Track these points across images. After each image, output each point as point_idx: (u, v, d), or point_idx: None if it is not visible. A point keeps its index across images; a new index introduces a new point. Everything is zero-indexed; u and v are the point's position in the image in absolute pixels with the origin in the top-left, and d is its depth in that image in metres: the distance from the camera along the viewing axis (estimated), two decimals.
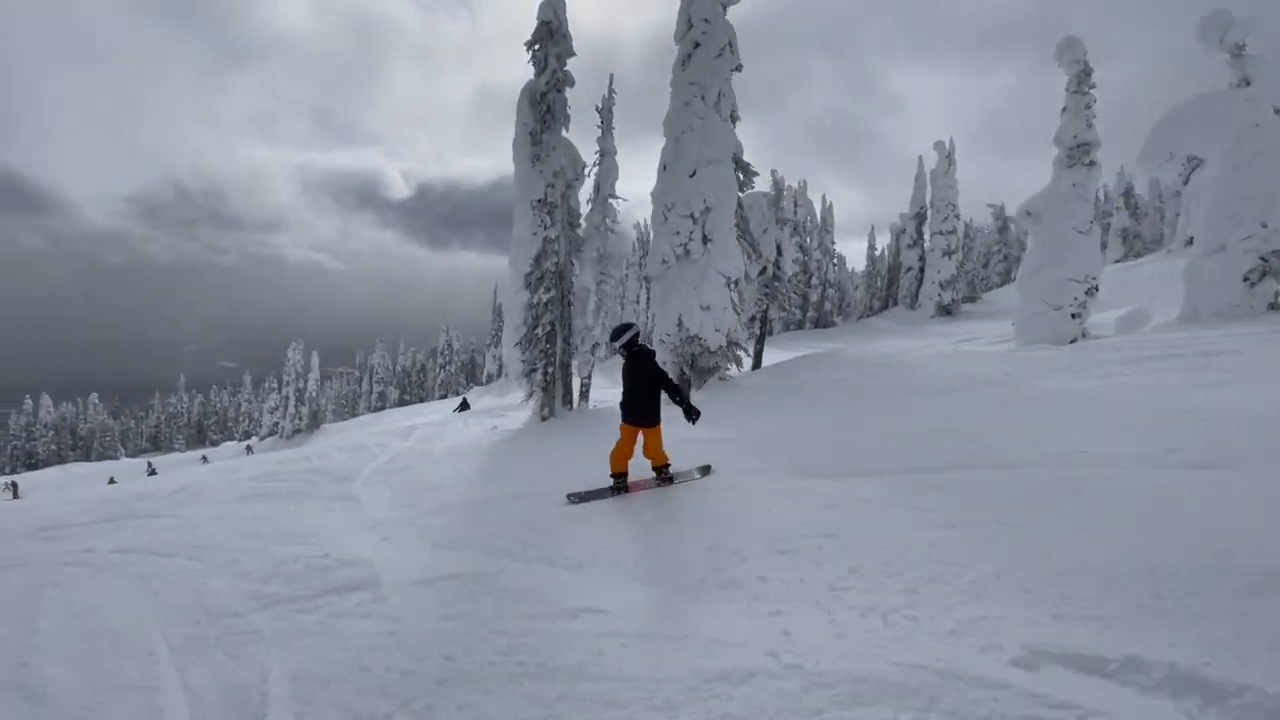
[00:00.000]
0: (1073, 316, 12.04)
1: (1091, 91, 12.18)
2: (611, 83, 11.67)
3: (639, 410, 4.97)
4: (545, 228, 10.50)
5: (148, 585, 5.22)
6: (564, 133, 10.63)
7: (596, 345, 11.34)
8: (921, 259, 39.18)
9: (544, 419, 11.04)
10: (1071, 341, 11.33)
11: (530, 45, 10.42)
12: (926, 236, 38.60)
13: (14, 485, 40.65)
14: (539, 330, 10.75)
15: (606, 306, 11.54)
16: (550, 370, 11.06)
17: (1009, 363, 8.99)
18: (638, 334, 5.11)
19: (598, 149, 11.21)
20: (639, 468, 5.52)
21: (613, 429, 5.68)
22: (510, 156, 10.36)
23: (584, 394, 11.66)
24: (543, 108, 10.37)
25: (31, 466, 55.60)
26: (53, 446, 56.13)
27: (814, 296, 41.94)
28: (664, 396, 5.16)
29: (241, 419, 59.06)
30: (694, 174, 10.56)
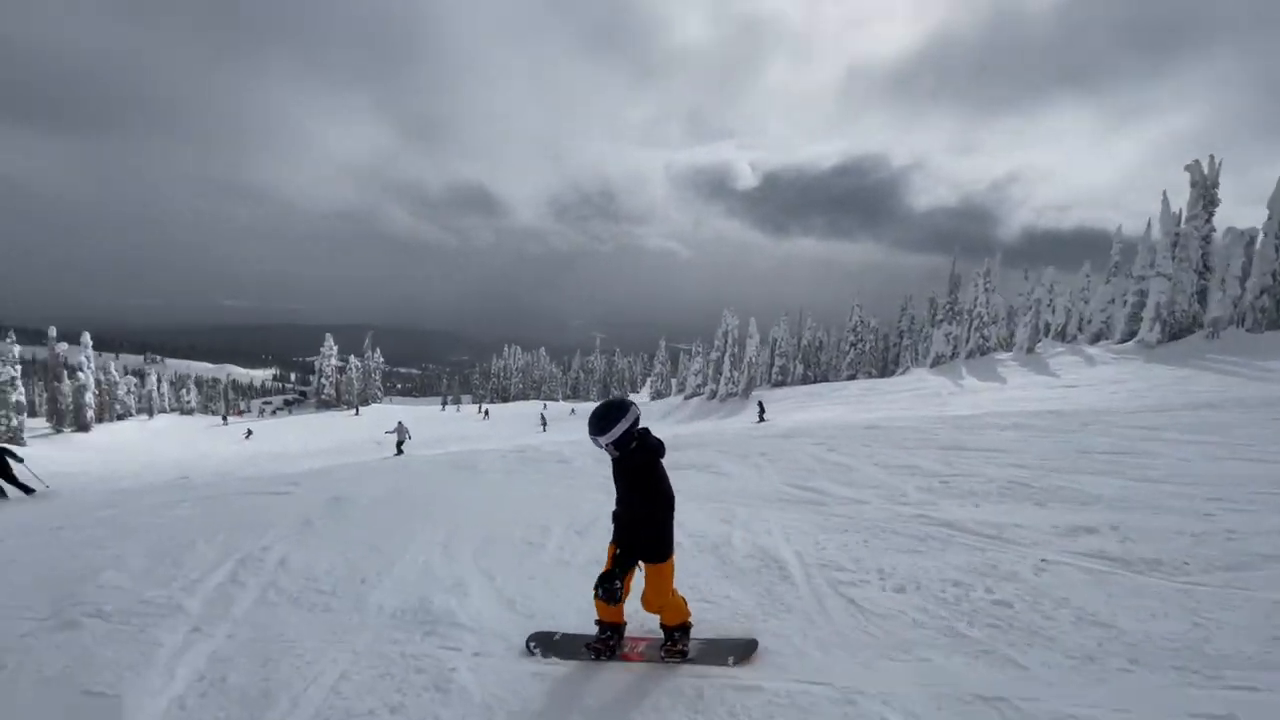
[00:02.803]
0: None
1: None
2: None
3: (639, 535, 2.60)
4: None
5: None
6: None
7: None
8: None
9: None
10: None
11: None
12: None
13: (486, 411, 49.17)
14: None
15: None
16: None
17: None
18: (638, 419, 2.58)
19: None
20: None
21: None
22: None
23: None
24: None
25: (504, 400, 69.30)
26: (520, 386, 68.94)
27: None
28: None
29: (654, 379, 63.13)
30: None
